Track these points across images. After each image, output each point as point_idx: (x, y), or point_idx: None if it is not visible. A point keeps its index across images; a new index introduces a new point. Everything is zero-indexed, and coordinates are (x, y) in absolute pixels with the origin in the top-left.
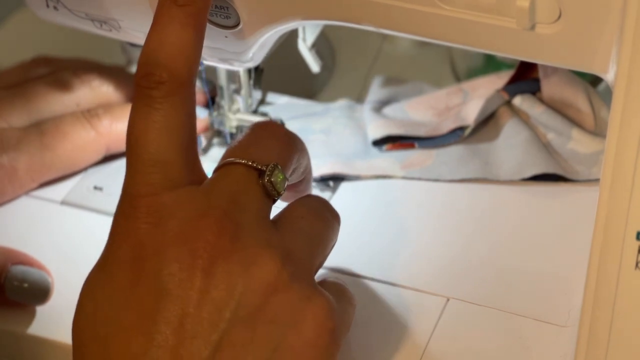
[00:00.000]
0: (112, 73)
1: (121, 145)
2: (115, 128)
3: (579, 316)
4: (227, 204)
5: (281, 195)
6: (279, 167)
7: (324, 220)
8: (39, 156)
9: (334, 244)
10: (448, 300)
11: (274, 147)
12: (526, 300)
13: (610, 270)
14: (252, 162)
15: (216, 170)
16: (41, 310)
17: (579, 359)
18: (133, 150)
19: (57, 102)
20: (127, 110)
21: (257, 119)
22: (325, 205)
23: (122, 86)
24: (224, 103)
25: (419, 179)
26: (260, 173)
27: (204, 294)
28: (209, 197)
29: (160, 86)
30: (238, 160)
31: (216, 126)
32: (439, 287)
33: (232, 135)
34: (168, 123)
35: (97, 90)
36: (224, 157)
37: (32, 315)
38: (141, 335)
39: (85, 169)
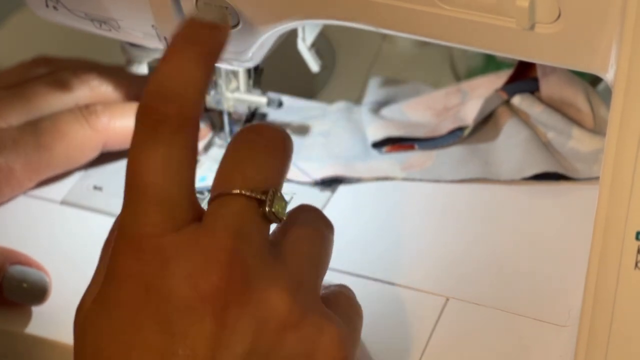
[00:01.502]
0: (111, 73)
1: (118, 142)
2: (113, 125)
3: (579, 316)
4: (233, 242)
5: (282, 221)
6: (279, 193)
7: (322, 237)
8: (36, 156)
9: (331, 255)
10: (448, 300)
11: (270, 161)
12: (526, 300)
13: (610, 270)
14: (251, 191)
15: (213, 199)
16: (40, 310)
17: (579, 359)
18: (135, 188)
19: (57, 102)
20: (125, 107)
21: (254, 98)
22: (319, 218)
23: (122, 86)
24: (221, 82)
25: (420, 180)
26: (260, 202)
27: (216, 339)
28: (213, 236)
29: (167, 121)
30: (236, 191)
31: (214, 104)
32: (439, 287)
33: (229, 116)
34: (173, 160)
35: (97, 90)
36: (219, 180)
37: (30, 315)
38: None
39: (82, 166)
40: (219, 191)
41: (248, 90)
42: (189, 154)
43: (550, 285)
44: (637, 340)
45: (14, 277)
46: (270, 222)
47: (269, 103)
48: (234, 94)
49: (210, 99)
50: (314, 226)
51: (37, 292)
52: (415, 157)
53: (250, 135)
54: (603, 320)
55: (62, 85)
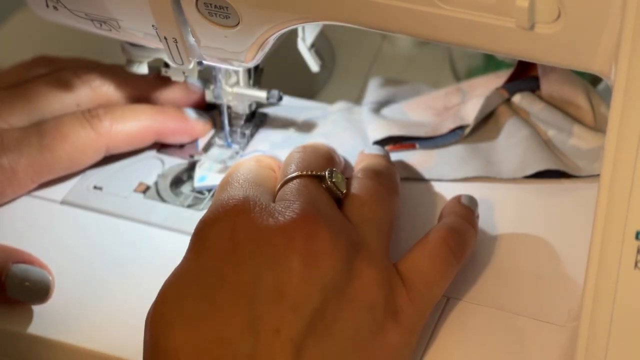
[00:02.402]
0: (112, 72)
1: (120, 146)
2: (115, 129)
3: (579, 316)
4: (312, 207)
5: (344, 193)
6: (335, 169)
7: (383, 200)
8: (39, 158)
9: (396, 217)
10: (448, 299)
11: (320, 155)
12: (526, 299)
13: (610, 269)
14: (311, 171)
15: (283, 185)
16: (41, 309)
17: (579, 359)
18: None
19: (57, 102)
20: (126, 110)
21: (254, 92)
22: (381, 183)
23: (123, 85)
24: (221, 77)
25: (421, 179)
26: (321, 179)
27: (300, 274)
28: (293, 204)
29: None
30: (298, 173)
31: (213, 99)
32: None
33: (229, 110)
34: None
35: (98, 90)
36: (282, 175)
37: (32, 314)
38: (238, 310)
39: (84, 169)
40: (284, 180)
41: (247, 85)
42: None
43: (550, 284)
44: (637, 340)
45: (16, 275)
46: (333, 194)
47: (269, 97)
48: (234, 89)
49: (210, 94)
50: (376, 193)
51: (40, 291)
52: (416, 156)
53: (305, 146)
54: (603, 320)
55: (63, 84)
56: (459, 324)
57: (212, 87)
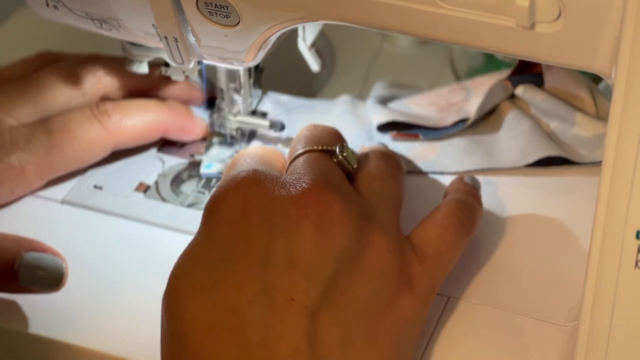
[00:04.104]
0: (116, 64)
1: (128, 142)
2: (124, 125)
3: (579, 315)
4: (324, 178)
5: (354, 168)
6: (345, 144)
7: (392, 177)
8: (48, 157)
9: (403, 190)
10: (448, 299)
11: (331, 137)
12: (526, 299)
13: (610, 269)
14: (322, 146)
15: (292, 160)
16: (43, 309)
17: (579, 358)
18: None
19: (63, 94)
20: (135, 106)
21: (257, 121)
22: (389, 163)
23: (127, 76)
24: (224, 105)
25: (424, 172)
26: (332, 153)
27: (313, 241)
28: (304, 175)
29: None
30: (309, 148)
31: (216, 128)
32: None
33: (232, 137)
34: None
35: (103, 80)
36: (292, 150)
37: (34, 315)
38: (251, 278)
39: (92, 165)
40: (294, 155)
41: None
42: None
43: (550, 284)
44: (637, 340)
45: (30, 263)
46: (344, 168)
47: (272, 126)
48: (237, 117)
49: (214, 122)
50: (386, 170)
51: (54, 278)
52: (419, 149)
53: (313, 125)
54: (603, 320)
55: (68, 75)
56: (459, 323)
57: (215, 115)
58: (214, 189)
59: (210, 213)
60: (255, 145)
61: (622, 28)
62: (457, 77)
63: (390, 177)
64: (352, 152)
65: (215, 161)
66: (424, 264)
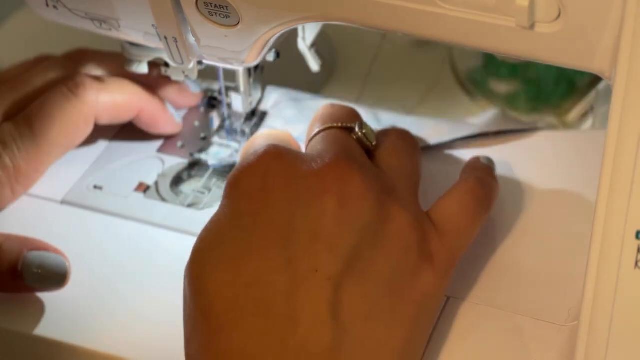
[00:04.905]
0: (105, 58)
1: (104, 116)
2: (102, 97)
3: (579, 315)
4: (344, 153)
5: (373, 145)
6: (364, 122)
7: (410, 155)
8: (35, 147)
9: (420, 168)
10: (448, 299)
11: (349, 115)
12: (526, 299)
13: (610, 269)
14: (341, 123)
15: (312, 138)
16: (43, 309)
17: (579, 358)
18: None
19: (42, 81)
20: (112, 81)
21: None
22: (406, 140)
23: (118, 71)
24: (224, 102)
25: (437, 146)
26: (351, 130)
27: (335, 214)
28: (325, 151)
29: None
30: (328, 125)
31: (216, 126)
32: None
33: (232, 132)
34: None
35: (91, 73)
36: (311, 128)
37: (34, 315)
38: (274, 250)
39: (83, 165)
40: (312, 133)
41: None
42: None
43: (550, 284)
44: (637, 340)
45: (33, 263)
46: (364, 145)
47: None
48: (236, 115)
49: (214, 120)
50: (403, 148)
51: (57, 276)
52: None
53: (330, 105)
54: (603, 320)
55: (57, 72)
56: (458, 323)
57: (215, 112)
58: (213, 189)
59: (233, 187)
60: (266, 130)
61: (622, 28)
62: (457, 78)
63: (408, 154)
64: (371, 130)
65: (216, 159)
66: (443, 239)
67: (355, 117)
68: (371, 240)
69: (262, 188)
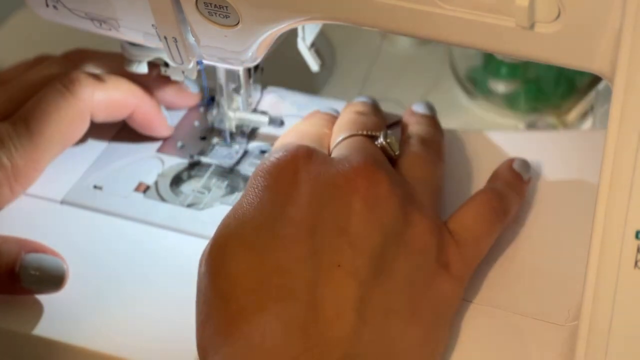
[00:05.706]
0: (103, 58)
1: (99, 114)
2: (97, 93)
3: (579, 315)
4: (371, 157)
5: (397, 154)
6: (389, 131)
7: (433, 164)
8: (32, 145)
9: (442, 179)
10: None
11: (373, 123)
12: (525, 299)
13: (610, 269)
14: (366, 131)
15: (337, 144)
16: (43, 309)
17: (579, 358)
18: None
19: (37, 78)
20: (108, 77)
21: (256, 117)
22: (430, 150)
23: (115, 70)
24: (224, 102)
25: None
26: (375, 138)
27: (361, 214)
28: (352, 155)
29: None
30: (353, 133)
31: (216, 125)
32: None
33: (231, 134)
34: None
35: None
36: (336, 134)
37: (34, 315)
38: (299, 242)
39: (83, 164)
40: (338, 140)
41: (247, 109)
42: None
43: (550, 284)
44: (637, 339)
45: (30, 265)
46: (387, 154)
47: (270, 122)
48: (236, 114)
49: (213, 119)
50: (426, 156)
51: (55, 278)
52: None
53: (353, 105)
54: (603, 320)
55: (54, 72)
56: (458, 323)
57: (214, 111)
58: (213, 189)
59: (261, 178)
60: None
61: (621, 28)
62: (457, 78)
63: (430, 164)
64: (395, 139)
65: (216, 159)
66: (460, 248)
67: (380, 126)
68: (393, 242)
69: (290, 184)
